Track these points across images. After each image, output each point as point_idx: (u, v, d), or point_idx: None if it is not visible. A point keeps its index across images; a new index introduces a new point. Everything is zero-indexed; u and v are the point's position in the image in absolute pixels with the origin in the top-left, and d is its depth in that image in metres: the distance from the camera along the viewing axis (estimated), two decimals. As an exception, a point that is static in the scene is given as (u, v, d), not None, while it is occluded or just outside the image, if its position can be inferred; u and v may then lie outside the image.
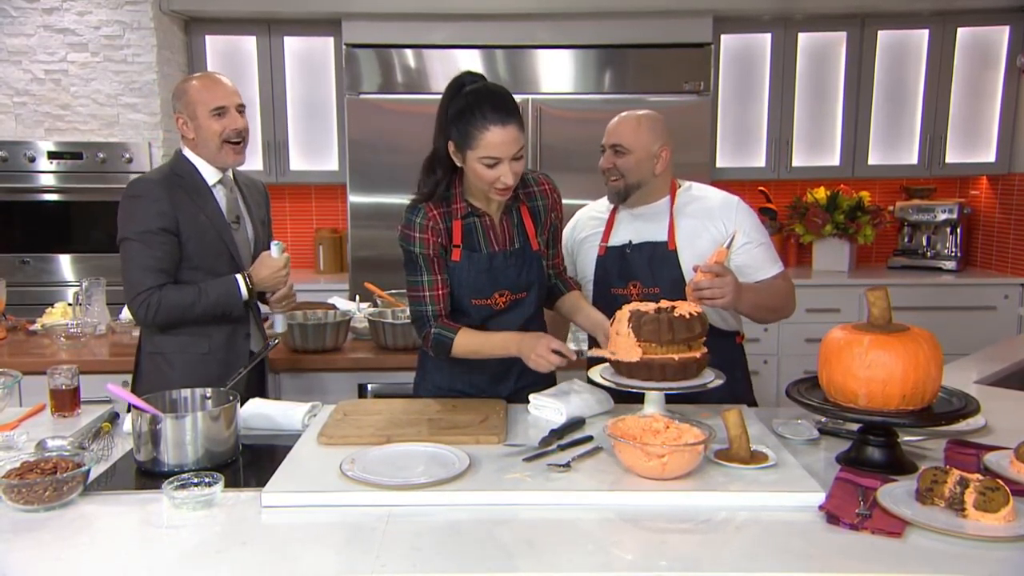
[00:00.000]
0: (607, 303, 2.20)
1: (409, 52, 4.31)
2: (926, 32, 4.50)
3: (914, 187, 4.91)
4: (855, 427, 1.78)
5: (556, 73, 4.33)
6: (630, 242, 2.30)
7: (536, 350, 1.93)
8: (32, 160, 4.17)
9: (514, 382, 2.19)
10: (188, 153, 2.34)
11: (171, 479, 1.58)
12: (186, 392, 1.92)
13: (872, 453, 1.71)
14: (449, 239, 2.04)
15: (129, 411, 1.79)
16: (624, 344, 1.86)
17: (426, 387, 2.24)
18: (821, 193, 4.70)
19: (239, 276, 2.29)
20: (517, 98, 1.98)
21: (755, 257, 2.26)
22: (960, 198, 4.93)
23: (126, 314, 3.34)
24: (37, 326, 3.16)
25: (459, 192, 2.04)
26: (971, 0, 4.40)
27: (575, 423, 1.92)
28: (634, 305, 1.91)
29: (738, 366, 2.36)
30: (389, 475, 1.62)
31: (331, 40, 4.46)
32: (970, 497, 1.45)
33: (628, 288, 2.28)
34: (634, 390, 1.87)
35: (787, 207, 4.85)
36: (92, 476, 1.67)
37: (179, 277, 2.27)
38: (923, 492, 1.50)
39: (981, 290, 4.51)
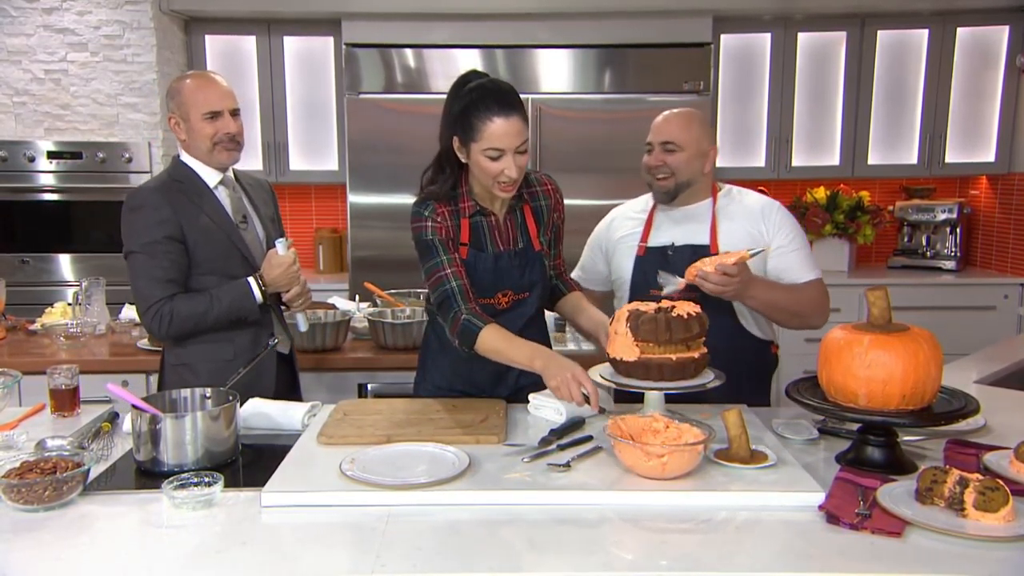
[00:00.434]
0: None
1: (409, 52, 4.31)
2: (926, 32, 4.50)
3: (914, 187, 4.91)
4: (855, 427, 1.78)
5: (556, 73, 4.33)
6: (672, 244, 2.26)
7: (563, 376, 1.83)
8: (32, 160, 4.17)
9: (514, 382, 2.19)
10: (186, 157, 2.29)
11: (171, 479, 1.58)
12: (185, 392, 1.92)
13: (872, 453, 1.71)
14: (457, 237, 2.04)
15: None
16: (622, 344, 1.86)
17: (426, 387, 2.24)
18: (821, 193, 4.70)
19: (250, 279, 2.22)
20: (518, 93, 1.97)
21: (789, 262, 2.24)
22: (960, 198, 4.93)
23: (126, 314, 3.35)
24: (37, 326, 3.16)
25: (466, 191, 2.04)
26: (971, 0, 4.40)
27: (575, 423, 1.92)
28: (634, 305, 1.91)
29: (768, 377, 2.35)
30: (389, 475, 1.62)
31: (331, 40, 4.46)
32: (970, 497, 1.45)
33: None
34: (633, 390, 1.87)
35: (787, 207, 4.83)
36: (92, 476, 1.67)
37: (193, 284, 2.22)
38: (923, 492, 1.50)
39: (981, 290, 4.51)
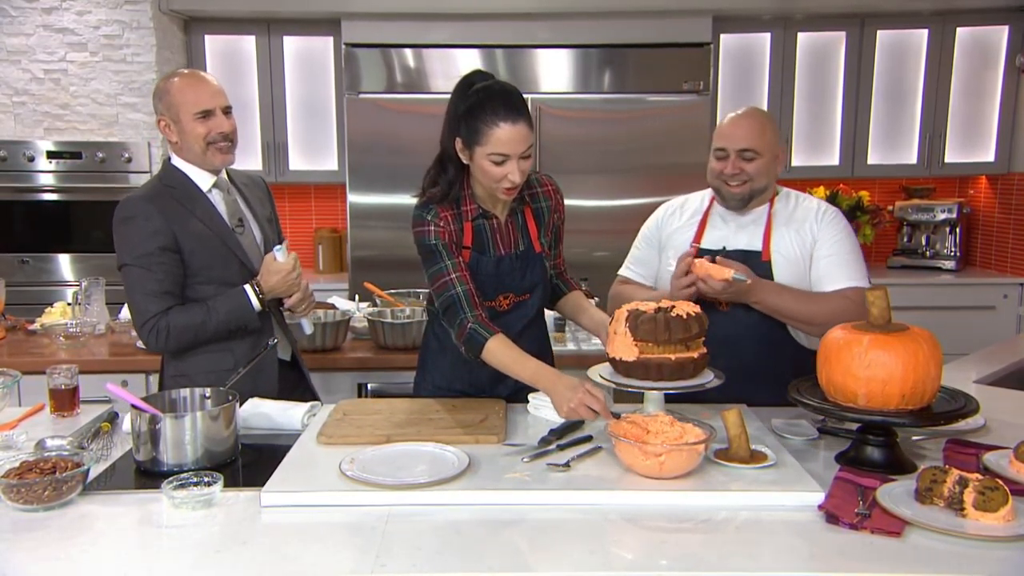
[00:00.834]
0: None
1: (409, 52, 4.31)
2: (926, 32, 4.50)
3: (913, 187, 4.91)
4: (855, 427, 1.78)
5: (556, 73, 4.33)
6: (724, 248, 2.21)
7: (572, 402, 1.78)
8: (31, 160, 4.17)
9: (514, 382, 2.17)
10: (177, 161, 2.21)
11: (170, 479, 1.58)
12: (185, 392, 1.91)
13: (871, 453, 1.71)
14: (460, 241, 2.03)
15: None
16: (621, 343, 1.86)
17: (426, 387, 2.23)
18: (820, 193, 4.70)
19: (247, 287, 2.15)
20: (524, 98, 1.97)
21: (828, 270, 2.15)
22: (959, 198, 4.93)
23: (125, 314, 3.34)
24: (36, 326, 3.16)
25: (468, 194, 2.04)
26: (971, 0, 4.40)
27: (574, 423, 1.92)
28: (633, 304, 1.91)
29: None
30: (389, 475, 1.62)
31: (331, 40, 4.46)
32: (969, 497, 1.45)
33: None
34: (632, 390, 1.87)
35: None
36: (91, 476, 1.67)
37: (190, 293, 2.16)
38: (922, 492, 1.50)
39: (980, 290, 4.51)
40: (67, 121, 4.22)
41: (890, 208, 4.85)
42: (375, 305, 3.23)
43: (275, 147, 4.55)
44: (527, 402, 2.07)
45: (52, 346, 2.94)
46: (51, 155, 4.18)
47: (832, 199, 4.67)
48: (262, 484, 1.61)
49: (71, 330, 2.97)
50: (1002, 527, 1.41)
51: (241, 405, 1.94)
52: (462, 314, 1.95)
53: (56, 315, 3.20)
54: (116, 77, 4.19)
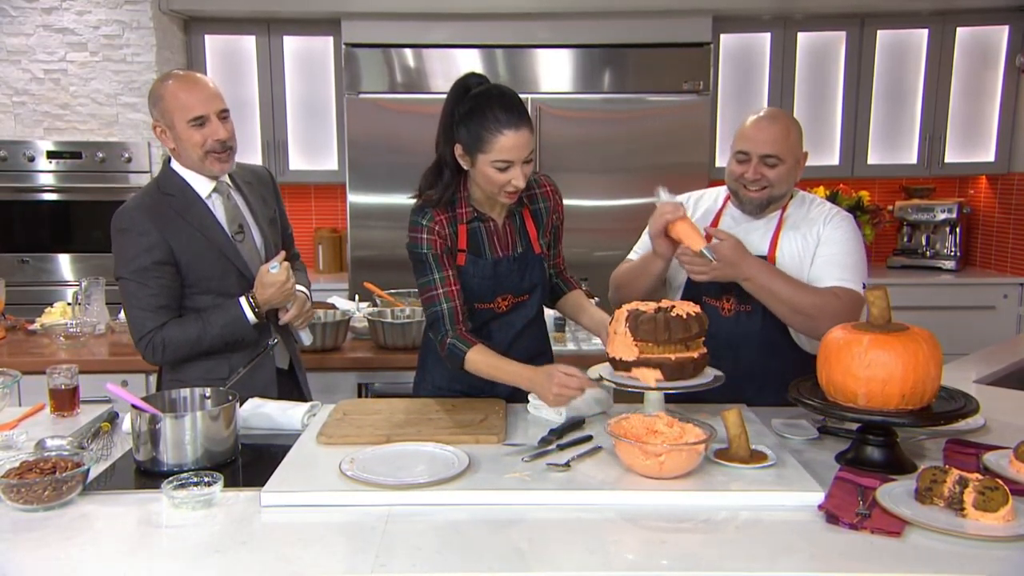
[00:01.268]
0: None
1: (409, 52, 4.31)
2: (926, 32, 4.50)
3: (913, 187, 4.91)
4: (855, 426, 1.78)
5: (556, 73, 4.33)
6: None
7: (552, 389, 1.85)
8: (31, 160, 4.17)
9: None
10: (176, 165, 2.16)
11: (170, 479, 1.58)
12: (185, 391, 1.91)
13: (871, 453, 1.71)
14: (455, 244, 2.03)
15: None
16: (621, 343, 1.86)
17: (426, 387, 2.23)
18: (820, 192, 4.69)
19: (243, 300, 2.13)
20: (522, 100, 1.97)
21: (826, 270, 2.10)
22: (959, 198, 4.93)
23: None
24: (36, 326, 3.16)
25: (464, 197, 2.03)
26: (971, 0, 4.40)
27: (574, 422, 1.92)
28: (633, 304, 1.91)
29: None
30: (389, 475, 1.62)
31: (330, 40, 4.46)
32: (969, 496, 1.45)
33: (721, 301, 2.18)
34: (632, 389, 1.87)
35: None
36: (91, 476, 1.67)
37: (188, 303, 2.15)
38: (922, 492, 1.50)
39: (980, 290, 4.51)
40: (67, 121, 4.22)
41: (890, 208, 4.85)
42: (375, 305, 3.23)
43: (275, 147, 4.55)
44: (527, 402, 2.07)
45: (52, 346, 2.95)
46: (51, 155, 4.18)
47: (832, 199, 4.66)
48: (262, 484, 1.61)
49: (71, 330, 2.97)
50: (1002, 527, 1.41)
51: (241, 405, 1.94)
52: (444, 330, 2.00)
53: (56, 315, 3.20)
54: (116, 77, 4.19)
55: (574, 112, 4.24)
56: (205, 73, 4.46)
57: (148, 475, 1.72)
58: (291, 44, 4.50)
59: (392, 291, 3.21)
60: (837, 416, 1.72)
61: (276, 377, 2.30)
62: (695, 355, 1.85)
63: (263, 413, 2.02)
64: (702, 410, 1.98)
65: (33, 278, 4.27)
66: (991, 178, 4.78)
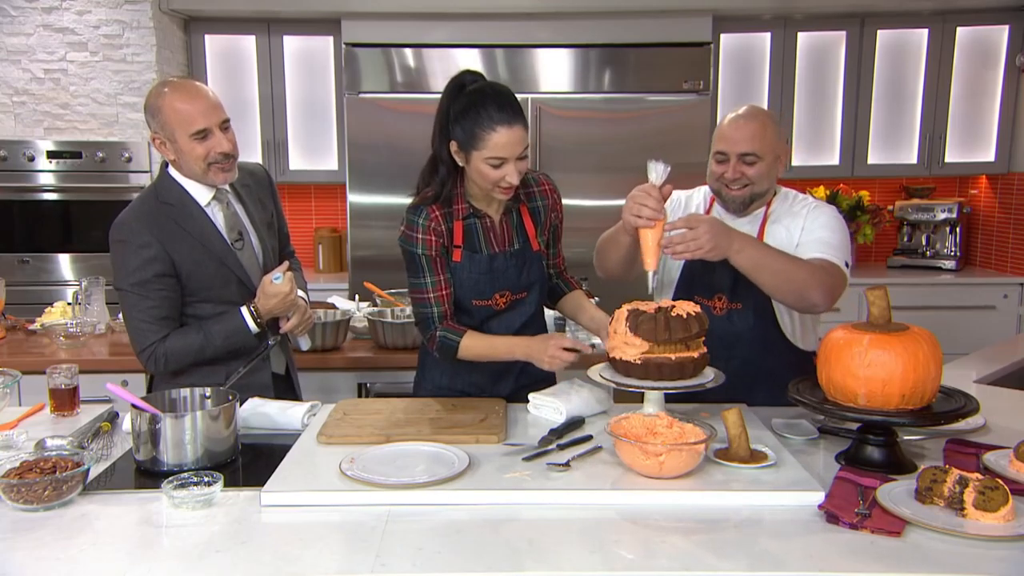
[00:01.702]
0: None
1: (409, 51, 4.31)
2: (926, 31, 4.50)
3: (914, 186, 4.91)
4: (855, 426, 1.78)
5: (556, 72, 4.33)
6: None
7: (547, 352, 1.94)
8: (31, 159, 4.17)
9: (514, 381, 2.19)
10: (174, 172, 2.13)
11: (171, 478, 1.58)
12: (185, 391, 1.91)
13: (872, 452, 1.71)
14: (450, 240, 2.04)
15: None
16: (621, 343, 1.86)
17: (426, 386, 2.23)
18: (821, 192, 4.70)
19: (244, 310, 2.12)
20: (517, 98, 1.97)
21: (805, 247, 2.09)
22: (960, 197, 4.93)
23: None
24: (36, 325, 3.16)
25: (460, 193, 2.04)
26: (971, 0, 4.40)
27: (574, 422, 1.92)
28: (633, 304, 1.91)
29: None
30: (389, 474, 1.62)
31: (331, 39, 4.46)
32: (969, 496, 1.45)
33: (713, 300, 2.18)
34: (632, 389, 1.87)
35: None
36: (91, 475, 1.67)
37: (189, 311, 2.14)
38: (922, 491, 1.50)
39: (981, 289, 4.51)
40: (67, 121, 4.22)
41: (890, 208, 4.85)
42: (375, 305, 3.23)
43: (275, 147, 4.55)
44: (527, 401, 2.07)
45: (52, 346, 2.95)
46: (51, 155, 4.18)
47: (832, 199, 4.67)
48: (262, 484, 1.61)
49: (71, 330, 2.97)
50: (1002, 527, 1.41)
51: (241, 405, 1.94)
52: (432, 326, 2.05)
53: (56, 315, 3.20)
54: (116, 77, 4.19)
55: (574, 112, 4.24)
56: (205, 73, 4.49)
57: (148, 475, 1.72)
58: (291, 44, 4.50)
59: (392, 291, 3.21)
60: (837, 416, 1.72)
61: (272, 381, 2.30)
62: (695, 355, 1.85)
63: (263, 413, 2.02)
64: (702, 410, 1.98)
65: (33, 278, 4.27)
66: (991, 178, 4.78)
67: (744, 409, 1.99)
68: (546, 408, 2.01)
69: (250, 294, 2.16)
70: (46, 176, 4.20)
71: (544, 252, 2.16)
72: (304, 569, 1.33)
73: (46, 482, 1.53)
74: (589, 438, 1.83)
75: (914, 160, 4.63)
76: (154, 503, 1.58)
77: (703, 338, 1.89)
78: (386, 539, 1.41)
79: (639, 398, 1.97)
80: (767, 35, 4.50)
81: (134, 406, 1.74)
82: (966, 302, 4.48)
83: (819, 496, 1.53)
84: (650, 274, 1.95)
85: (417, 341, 2.76)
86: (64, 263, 4.31)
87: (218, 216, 2.17)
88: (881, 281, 4.39)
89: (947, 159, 4.61)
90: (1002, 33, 4.52)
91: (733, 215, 2.21)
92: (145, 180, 4.14)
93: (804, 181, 4.78)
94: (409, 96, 4.28)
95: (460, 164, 1.98)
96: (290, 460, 1.74)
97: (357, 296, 3.44)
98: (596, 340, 1.97)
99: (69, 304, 3.25)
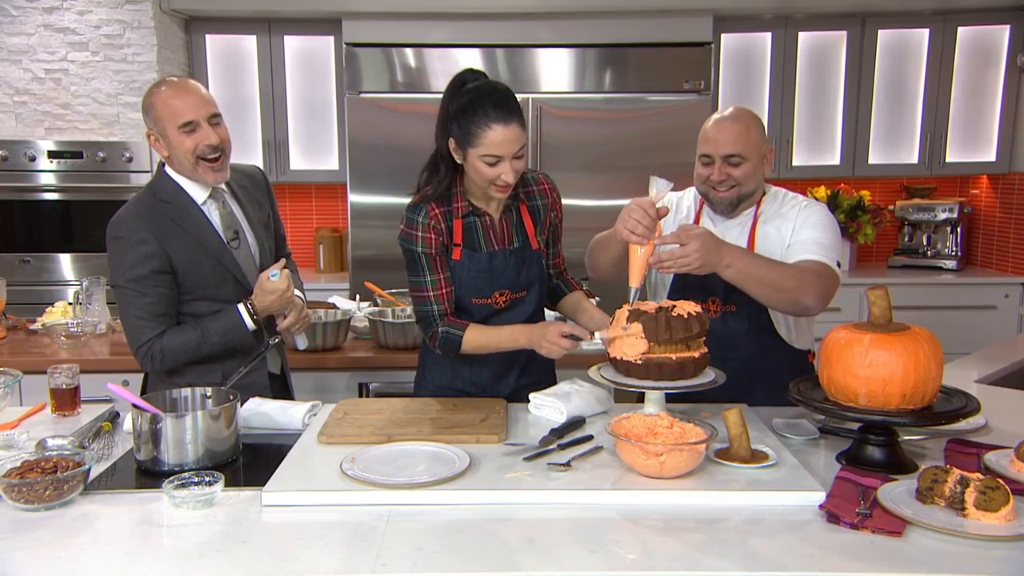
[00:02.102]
0: None
1: (409, 51, 4.31)
2: (926, 31, 4.50)
3: (914, 186, 4.91)
4: (856, 426, 1.78)
5: (556, 72, 4.33)
6: None
7: (547, 337, 1.95)
8: (32, 159, 4.17)
9: (515, 381, 2.19)
10: (171, 171, 2.15)
11: (171, 478, 1.58)
12: (186, 391, 1.91)
13: (872, 452, 1.71)
14: (450, 238, 2.04)
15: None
16: (621, 343, 1.86)
17: (426, 386, 2.24)
18: (821, 192, 4.70)
19: (241, 308, 2.12)
20: (517, 97, 1.98)
21: (795, 247, 2.09)
22: (960, 197, 4.93)
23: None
24: (37, 325, 3.16)
25: (460, 191, 2.05)
26: (971, 0, 4.40)
27: (575, 422, 1.92)
28: (634, 304, 1.91)
29: None
30: (389, 474, 1.62)
31: (331, 39, 4.46)
32: (970, 496, 1.45)
33: (707, 303, 2.17)
34: (633, 389, 1.87)
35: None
36: (92, 475, 1.67)
37: (185, 309, 2.15)
38: (923, 491, 1.50)
39: (981, 289, 4.51)
40: (68, 121, 4.22)
41: (891, 208, 4.85)
42: (376, 304, 3.23)
43: (276, 146, 4.55)
44: (528, 401, 2.07)
45: (53, 346, 2.95)
46: (52, 155, 4.18)
47: (833, 199, 4.67)
48: (263, 484, 1.61)
49: (72, 329, 2.97)
50: (1003, 527, 1.41)
51: (241, 405, 1.94)
52: (433, 323, 2.06)
53: (57, 314, 3.20)
54: (117, 77, 4.19)
55: (574, 112, 4.23)
56: (206, 73, 4.49)
57: (149, 474, 1.72)
58: (292, 44, 4.50)
59: (393, 291, 3.21)
60: (838, 416, 1.72)
61: (268, 381, 2.30)
62: (696, 355, 1.85)
63: (263, 413, 2.02)
64: (703, 410, 1.98)
65: (34, 278, 4.28)
66: (992, 178, 4.78)
67: (745, 409, 1.99)
68: (547, 408, 2.01)
69: (246, 293, 2.17)
70: (47, 176, 4.21)
71: (544, 252, 2.17)
72: (304, 569, 1.33)
73: (47, 482, 1.53)
74: (590, 438, 1.83)
75: (915, 160, 4.62)
76: (155, 503, 1.58)
77: (704, 338, 1.89)
78: (387, 539, 1.42)
79: (640, 398, 1.97)
80: (768, 35, 4.50)
81: (135, 406, 1.75)
82: (967, 302, 4.48)
83: (820, 496, 1.53)
84: (633, 290, 1.95)
85: (418, 341, 2.76)
86: (65, 263, 4.31)
87: (214, 214, 2.18)
88: (882, 281, 4.39)
89: (948, 159, 4.61)
90: (1003, 33, 4.51)
91: (722, 216, 2.21)
92: (146, 180, 4.12)
93: (805, 181, 4.78)
94: (410, 96, 4.28)
95: (458, 161, 1.99)
96: (291, 460, 1.74)
97: (358, 296, 3.44)
98: (599, 333, 1.96)
99: (70, 304, 3.25)
